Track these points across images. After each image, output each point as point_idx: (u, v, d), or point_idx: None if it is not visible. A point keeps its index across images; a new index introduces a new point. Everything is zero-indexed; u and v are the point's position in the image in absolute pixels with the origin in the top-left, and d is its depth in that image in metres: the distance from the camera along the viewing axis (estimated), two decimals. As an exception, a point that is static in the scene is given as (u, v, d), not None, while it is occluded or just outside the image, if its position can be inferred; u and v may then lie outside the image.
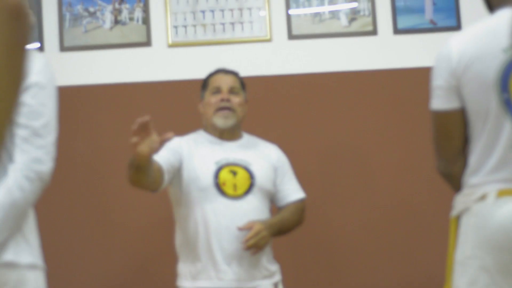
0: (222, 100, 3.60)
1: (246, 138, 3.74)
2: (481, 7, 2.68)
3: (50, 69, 2.34)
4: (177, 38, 4.67)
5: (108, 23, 4.69)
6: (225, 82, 3.68)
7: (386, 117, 4.63)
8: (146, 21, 4.67)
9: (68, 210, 4.55)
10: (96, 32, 4.68)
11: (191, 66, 4.66)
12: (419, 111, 4.42)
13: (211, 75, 3.78)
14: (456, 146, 2.50)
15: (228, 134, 3.66)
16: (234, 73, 3.77)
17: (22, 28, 1.11)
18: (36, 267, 2.26)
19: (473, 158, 2.44)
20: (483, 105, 2.38)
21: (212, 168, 3.53)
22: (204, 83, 3.78)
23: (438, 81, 2.48)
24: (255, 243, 3.39)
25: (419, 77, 4.39)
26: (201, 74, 4.60)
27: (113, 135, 4.54)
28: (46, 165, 2.26)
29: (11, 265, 2.18)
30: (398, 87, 4.65)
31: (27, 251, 2.23)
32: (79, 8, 4.67)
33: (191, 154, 3.58)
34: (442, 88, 2.47)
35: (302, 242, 4.45)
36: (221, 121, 3.60)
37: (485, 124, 2.38)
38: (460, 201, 2.47)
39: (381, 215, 4.57)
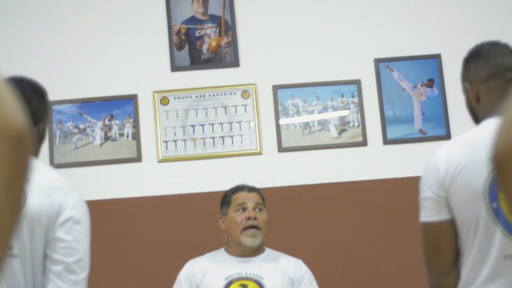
0: (249, 218, 3.61)
1: (267, 252, 3.74)
2: (470, 116, 2.69)
3: (84, 204, 2.37)
4: (168, 153, 4.67)
5: (98, 140, 4.69)
6: (250, 199, 3.71)
7: (377, 228, 4.60)
8: (136, 136, 4.68)
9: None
10: (86, 148, 4.69)
11: (181, 181, 4.64)
12: (411, 222, 4.38)
13: (233, 192, 3.79)
14: (447, 259, 2.46)
15: (251, 252, 3.66)
16: (256, 190, 3.80)
17: (23, 157, 1.09)
18: None
19: (465, 270, 2.39)
20: (472, 215, 2.34)
21: (222, 283, 3.52)
22: (225, 200, 3.79)
23: (426, 192, 2.45)
24: None
25: (410, 187, 4.38)
26: (192, 189, 4.60)
27: (104, 252, 4.47)
28: None
29: None
30: (388, 197, 4.63)
31: None
32: (69, 125, 4.69)
33: (205, 273, 3.61)
34: (430, 200, 2.44)
35: None
36: (249, 240, 3.63)
37: (475, 234, 2.35)
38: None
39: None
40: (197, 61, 4.78)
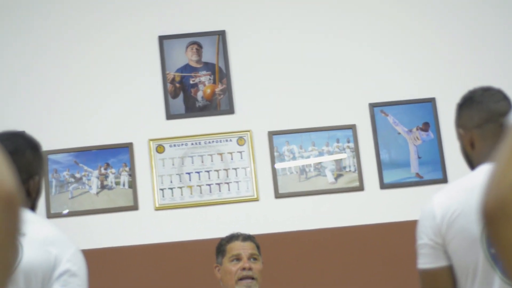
0: (244, 269, 3.58)
1: None
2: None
3: (80, 256, 2.39)
4: (164, 200, 4.66)
5: (94, 188, 4.69)
6: (245, 249, 3.66)
7: (374, 272, 4.57)
8: (132, 185, 4.68)
9: None
10: (82, 197, 4.68)
11: (179, 228, 4.63)
12: (408, 266, 4.35)
13: (227, 241, 3.74)
14: (446, 306, 2.43)
15: None
16: (251, 238, 3.74)
17: (13, 220, 1.09)
18: None
19: (464, 317, 2.37)
20: (470, 261, 2.33)
21: None
22: (220, 249, 3.75)
23: (423, 239, 2.44)
24: None
25: (408, 231, 4.37)
26: (189, 236, 4.58)
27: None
28: None
29: None
30: (386, 241, 4.61)
31: None
32: (65, 174, 4.69)
33: None
34: (427, 247, 2.42)
35: None
36: None
37: (474, 281, 2.33)
38: None
39: None
40: (192, 109, 4.79)
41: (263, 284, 3.83)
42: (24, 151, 2.47)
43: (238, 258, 3.65)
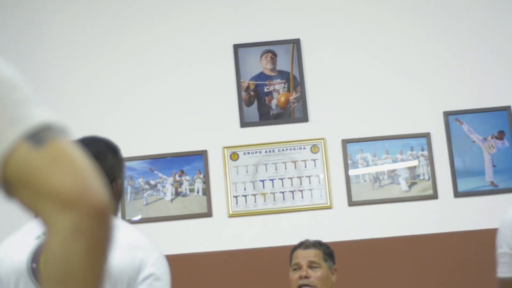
0: (301, 277, 3.60)
1: None
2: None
3: (164, 261, 2.43)
4: (238, 208, 4.70)
5: (169, 195, 4.75)
6: (304, 257, 3.67)
7: (449, 281, 4.54)
8: (206, 192, 4.73)
9: None
10: (157, 204, 4.75)
11: (252, 235, 4.66)
12: (483, 275, 4.32)
13: (293, 249, 3.77)
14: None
15: None
16: (314, 245, 3.73)
17: (105, 231, 1.09)
18: None
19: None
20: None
21: None
22: (290, 257, 3.78)
23: (503, 248, 2.43)
24: None
25: (483, 240, 4.34)
26: (262, 243, 4.61)
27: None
28: None
29: None
30: (461, 250, 4.57)
31: None
32: (140, 181, 4.76)
33: None
34: (507, 256, 2.41)
35: None
36: None
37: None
38: None
39: None
40: (266, 117, 4.83)
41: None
42: (106, 155, 2.50)
43: (298, 267, 3.67)
